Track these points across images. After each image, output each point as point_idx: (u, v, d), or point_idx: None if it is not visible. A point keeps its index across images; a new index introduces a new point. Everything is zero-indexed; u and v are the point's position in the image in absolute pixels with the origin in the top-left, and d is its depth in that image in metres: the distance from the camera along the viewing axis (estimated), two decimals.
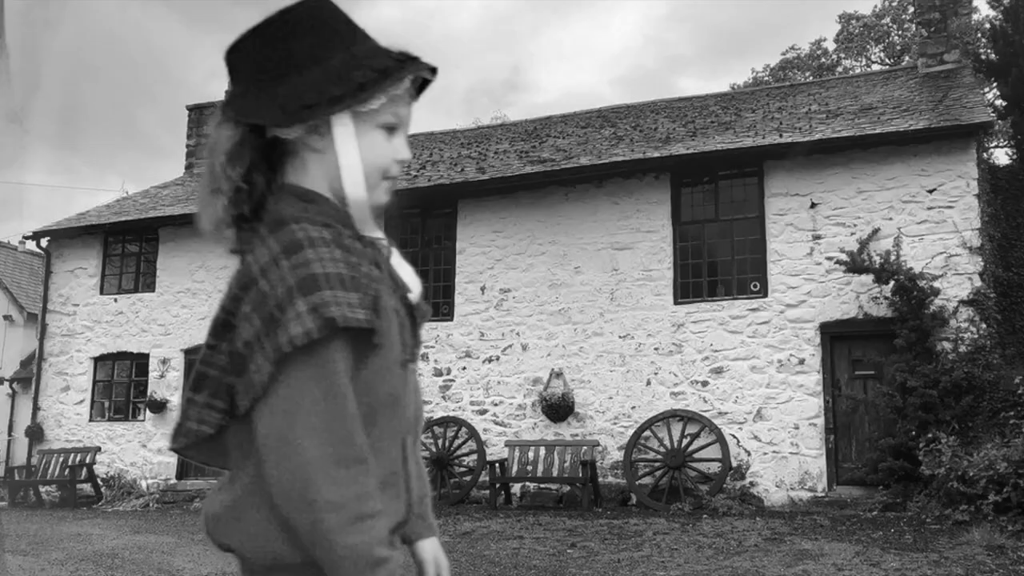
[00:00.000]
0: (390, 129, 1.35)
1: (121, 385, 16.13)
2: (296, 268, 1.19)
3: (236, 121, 1.31)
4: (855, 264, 10.86)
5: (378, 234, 1.36)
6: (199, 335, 15.29)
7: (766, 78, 28.65)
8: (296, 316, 1.16)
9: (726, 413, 11.85)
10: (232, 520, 1.25)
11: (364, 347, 1.22)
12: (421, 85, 1.42)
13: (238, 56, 1.33)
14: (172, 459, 15.17)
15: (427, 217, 14.38)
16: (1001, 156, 21.25)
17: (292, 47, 1.30)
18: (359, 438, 1.18)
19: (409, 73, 1.33)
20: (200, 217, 1.35)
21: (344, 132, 1.30)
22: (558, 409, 12.52)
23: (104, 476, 15.23)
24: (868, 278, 11.04)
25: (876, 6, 28.13)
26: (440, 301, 13.95)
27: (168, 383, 15.43)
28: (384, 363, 1.25)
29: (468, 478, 12.87)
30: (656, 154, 12.76)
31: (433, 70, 1.37)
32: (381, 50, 1.34)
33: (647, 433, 12.08)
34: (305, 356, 1.16)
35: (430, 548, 1.50)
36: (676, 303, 12.41)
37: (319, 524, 1.13)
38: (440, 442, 13.15)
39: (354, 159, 1.31)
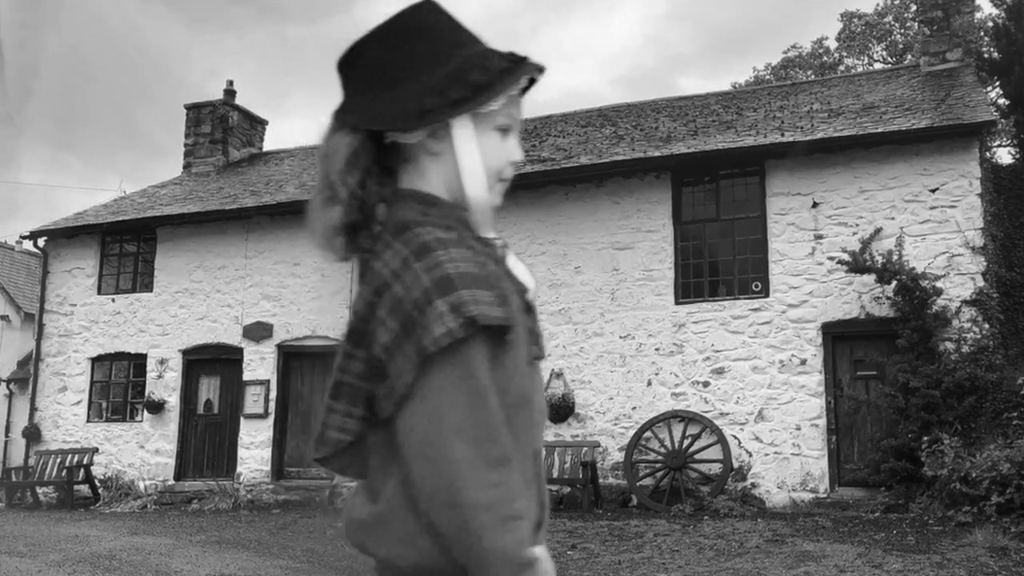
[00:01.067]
0: (503, 130, 1.37)
1: (119, 386, 16.13)
2: (430, 270, 1.20)
3: (353, 128, 1.32)
4: (857, 264, 10.86)
5: (493, 235, 1.37)
6: (197, 335, 15.31)
7: (767, 77, 28.65)
8: (437, 317, 1.16)
9: (727, 414, 11.85)
10: (379, 527, 1.24)
11: (497, 346, 1.22)
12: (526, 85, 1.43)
13: (353, 63, 1.34)
14: (170, 460, 15.18)
15: None
16: (1004, 155, 21.25)
17: (409, 52, 1.31)
18: (504, 438, 1.18)
19: (525, 74, 1.35)
20: (313, 225, 1.35)
21: (464, 135, 1.32)
22: (558, 410, 12.51)
23: (102, 477, 15.22)
24: (870, 278, 11.04)
25: (878, 4, 28.13)
26: None
27: (166, 384, 15.43)
28: (515, 362, 1.26)
29: None
30: (657, 153, 12.76)
31: (541, 69, 1.39)
32: (493, 51, 1.36)
33: (648, 434, 12.07)
34: (448, 357, 1.16)
35: (542, 555, 1.53)
36: (677, 303, 12.41)
37: (468, 526, 1.13)
38: None
39: (475, 161, 1.32)
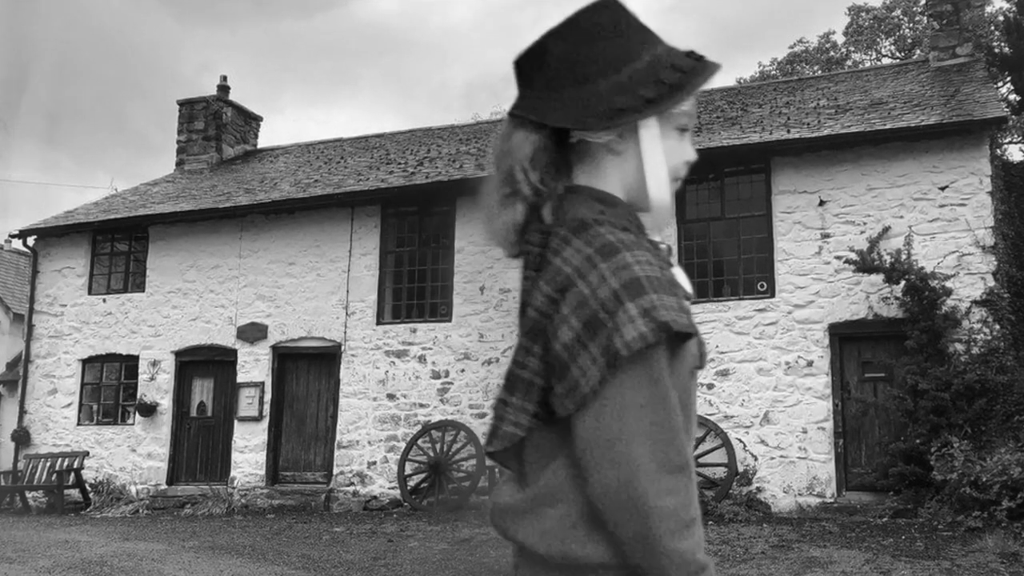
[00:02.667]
0: (682, 130, 1.39)
1: (110, 388, 16.13)
2: (617, 271, 1.21)
3: (536, 125, 1.34)
4: (865, 263, 10.86)
5: (658, 237, 1.39)
6: (190, 336, 15.31)
7: (773, 72, 28.64)
8: (629, 320, 1.18)
9: (732, 417, 11.85)
10: (526, 515, 1.28)
11: (672, 352, 1.24)
12: None
13: (539, 60, 1.36)
14: (162, 464, 15.18)
15: (424, 215, 14.38)
16: (1015, 152, 21.27)
17: (598, 50, 1.33)
18: (684, 444, 1.21)
19: (711, 73, 1.37)
20: (492, 222, 1.39)
21: (650, 135, 1.34)
22: None
23: (93, 481, 15.22)
24: (878, 278, 11.04)
25: None
26: (438, 301, 13.96)
27: (158, 386, 15.43)
28: (682, 369, 1.28)
29: (467, 483, 12.86)
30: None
31: (719, 69, 1.41)
32: (676, 50, 1.38)
33: None
34: (636, 361, 1.18)
35: (711, 560, 1.57)
36: None
37: (650, 531, 1.16)
38: (438, 446, 13.15)
39: (660, 162, 1.35)
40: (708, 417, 11.88)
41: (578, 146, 1.36)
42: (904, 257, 10.78)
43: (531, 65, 1.37)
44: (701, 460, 11.67)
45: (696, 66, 1.35)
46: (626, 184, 1.36)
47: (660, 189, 1.35)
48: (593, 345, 1.19)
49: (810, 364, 11.58)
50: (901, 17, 28.04)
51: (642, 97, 1.31)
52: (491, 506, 1.36)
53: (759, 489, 11.51)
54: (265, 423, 14.61)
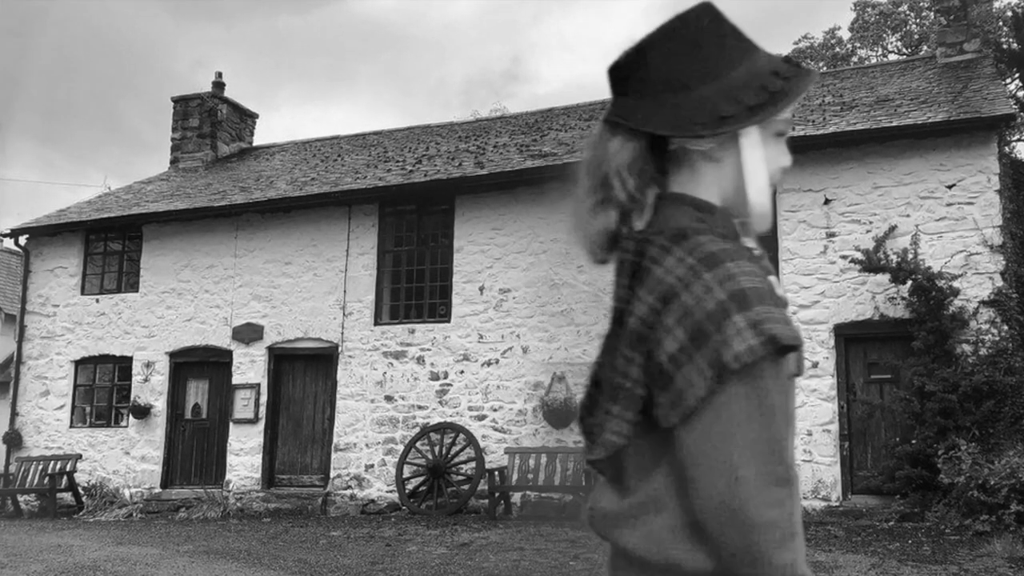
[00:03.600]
0: (779, 135, 1.41)
1: (103, 389, 16.13)
2: (723, 282, 1.23)
3: (633, 132, 1.36)
4: (871, 263, 10.86)
5: (752, 244, 1.40)
6: (185, 337, 15.31)
7: None
8: (737, 333, 1.19)
9: None
10: (630, 521, 1.31)
11: (777, 363, 1.26)
12: None
13: (638, 66, 1.37)
14: (156, 467, 15.18)
15: (423, 214, 14.38)
16: (1023, 150, 21.25)
17: (700, 56, 1.35)
18: (789, 457, 1.23)
19: (811, 80, 1.39)
20: (583, 229, 1.40)
21: (752, 142, 1.35)
22: (560, 415, 12.51)
23: (85, 485, 15.23)
24: (884, 278, 11.04)
25: None
26: (437, 302, 13.96)
27: (152, 387, 15.43)
28: (783, 378, 1.29)
29: (466, 487, 12.87)
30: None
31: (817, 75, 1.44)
32: (774, 56, 1.40)
33: None
34: (744, 374, 1.20)
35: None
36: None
37: (755, 543, 1.18)
38: (437, 449, 13.15)
39: (761, 169, 1.36)
40: None
41: (675, 153, 1.37)
42: (911, 256, 10.78)
43: (628, 71, 1.38)
44: None
45: (797, 72, 1.37)
46: (723, 191, 1.38)
47: (761, 196, 1.37)
48: (699, 357, 1.21)
49: (815, 365, 11.58)
50: (908, 12, 28.04)
51: (745, 104, 1.33)
52: (590, 510, 1.39)
53: None
54: (261, 425, 14.61)
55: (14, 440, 16.10)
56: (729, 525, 1.18)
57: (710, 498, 1.19)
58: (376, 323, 14.15)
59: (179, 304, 15.49)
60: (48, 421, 16.09)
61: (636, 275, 1.33)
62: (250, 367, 14.82)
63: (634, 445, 1.32)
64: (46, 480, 14.86)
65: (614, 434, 1.33)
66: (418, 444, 13.34)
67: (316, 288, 14.55)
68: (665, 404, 1.24)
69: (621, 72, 1.39)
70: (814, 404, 11.52)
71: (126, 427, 15.57)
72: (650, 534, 1.28)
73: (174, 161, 19.48)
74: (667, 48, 1.35)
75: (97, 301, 16.14)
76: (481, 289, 13.53)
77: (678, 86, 1.34)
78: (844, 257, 11.52)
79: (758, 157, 1.36)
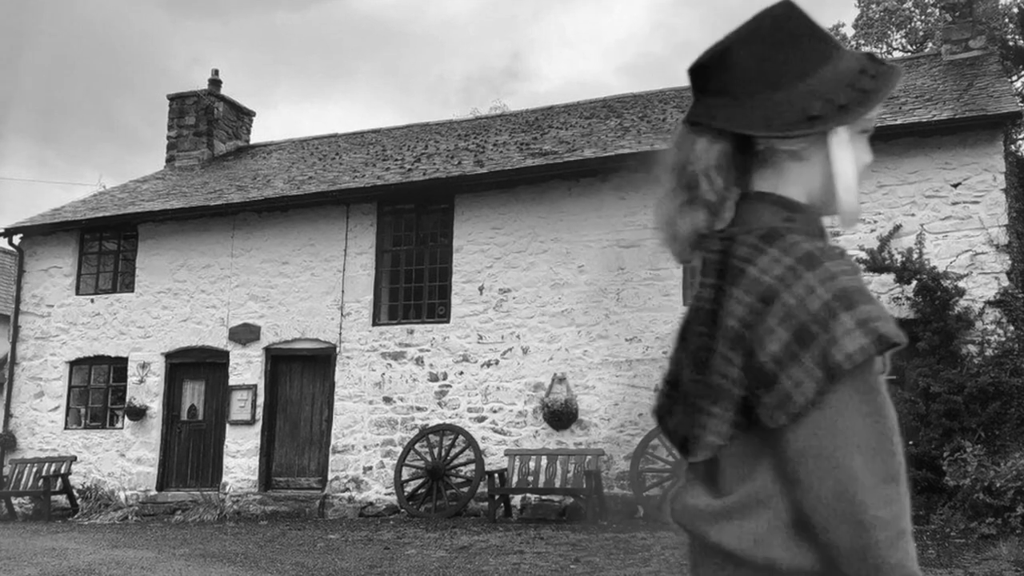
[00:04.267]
0: (863, 133, 1.44)
1: (98, 391, 16.13)
2: (825, 282, 1.25)
3: (719, 131, 1.38)
4: (875, 263, 10.86)
5: (833, 243, 1.42)
6: (180, 338, 15.31)
7: None
8: (846, 332, 1.21)
9: None
10: (728, 519, 1.33)
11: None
12: None
13: (723, 65, 1.39)
14: (152, 469, 15.19)
15: (422, 213, 14.39)
16: None
17: (787, 55, 1.37)
18: (900, 455, 1.25)
19: (898, 78, 1.41)
20: (669, 228, 1.43)
21: (841, 141, 1.37)
22: (561, 416, 12.52)
23: (80, 487, 15.23)
24: (889, 277, 11.04)
25: None
26: (436, 302, 13.96)
27: (148, 389, 15.43)
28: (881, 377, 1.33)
29: (465, 489, 12.87)
30: (665, 146, 12.72)
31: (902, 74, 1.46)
32: (860, 54, 1.42)
33: (655, 442, 12.06)
34: (855, 373, 1.22)
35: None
36: (686, 304, 12.38)
37: (868, 541, 1.21)
38: (436, 451, 13.16)
39: (850, 168, 1.39)
40: None
41: (761, 152, 1.39)
42: (915, 256, 10.78)
43: (712, 71, 1.40)
44: None
45: (885, 70, 1.39)
46: (809, 190, 1.40)
47: (850, 195, 1.39)
48: (806, 357, 1.22)
49: None
50: (912, 9, 28.04)
51: (836, 103, 1.34)
52: (681, 507, 1.41)
53: None
54: (258, 427, 14.61)
55: (8, 442, 16.10)
56: (842, 524, 1.21)
57: (821, 497, 1.21)
58: (374, 323, 14.16)
59: (175, 304, 15.49)
60: (42, 423, 16.09)
61: (722, 274, 1.35)
62: (247, 368, 14.82)
63: (732, 445, 1.34)
64: (40, 482, 14.86)
65: (715, 434, 1.34)
66: (417, 446, 13.35)
67: (314, 288, 14.56)
68: (770, 404, 1.25)
69: (704, 71, 1.41)
70: None
71: (121, 429, 15.58)
72: (750, 532, 1.29)
73: (170, 160, 19.48)
74: (752, 47, 1.37)
75: (92, 301, 16.14)
76: (481, 289, 13.54)
77: (765, 85, 1.36)
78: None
79: (847, 156, 1.38)
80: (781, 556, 1.27)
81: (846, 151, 1.37)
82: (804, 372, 1.22)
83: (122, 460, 15.40)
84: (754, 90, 1.36)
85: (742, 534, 1.30)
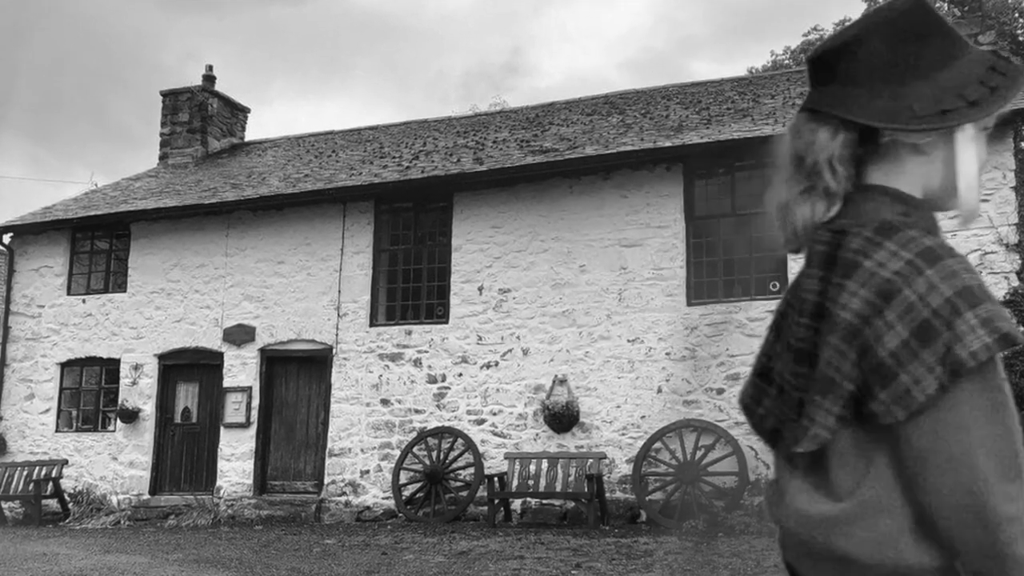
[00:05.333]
0: (984, 130, 1.45)
1: (90, 393, 16.14)
2: (947, 279, 1.27)
3: (844, 122, 1.40)
4: None
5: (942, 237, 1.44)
6: (174, 339, 15.32)
7: (787, 61, 28.64)
8: (970, 330, 1.24)
9: (743, 423, 11.85)
10: (848, 525, 1.33)
11: None
12: None
13: (847, 57, 1.41)
14: (145, 473, 15.19)
15: (420, 211, 14.39)
16: None
17: (918, 49, 1.39)
18: (1022, 449, 1.27)
19: None
20: (785, 216, 1.47)
21: (966, 136, 1.40)
22: (562, 419, 12.52)
23: (72, 491, 15.23)
24: None
25: None
26: (434, 302, 13.97)
27: (141, 391, 15.44)
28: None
29: (464, 493, 12.87)
30: (668, 143, 12.77)
31: None
32: (987, 51, 1.43)
33: (658, 445, 12.08)
34: (978, 371, 1.25)
35: None
36: (689, 304, 12.41)
37: (996, 538, 1.22)
38: (434, 454, 13.16)
39: (973, 165, 1.41)
40: (718, 423, 11.89)
41: (883, 145, 1.41)
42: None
43: (836, 60, 1.42)
44: (711, 469, 11.68)
45: (1012, 68, 1.41)
46: (927, 185, 1.42)
47: (972, 192, 1.41)
48: (927, 353, 1.24)
49: None
50: None
51: (967, 99, 1.37)
52: (794, 515, 1.41)
53: None
54: (253, 430, 14.61)
55: None
56: (968, 522, 1.23)
57: (946, 496, 1.23)
58: (372, 324, 14.16)
59: (168, 305, 15.50)
60: (33, 425, 16.09)
61: (830, 266, 1.38)
62: (241, 370, 14.83)
63: (839, 441, 1.36)
64: (31, 486, 14.86)
65: (822, 427, 1.35)
66: (415, 449, 13.35)
67: (310, 288, 14.56)
68: (887, 400, 1.27)
69: (827, 61, 1.43)
70: None
71: (113, 432, 15.58)
72: (877, 537, 1.30)
73: (163, 157, 19.49)
74: (883, 39, 1.39)
75: (84, 301, 16.15)
76: (480, 289, 13.54)
77: (894, 78, 1.38)
78: None
79: (971, 153, 1.40)
80: (910, 558, 1.29)
81: (971, 147, 1.40)
82: (925, 369, 1.24)
83: (114, 463, 15.40)
84: (883, 82, 1.39)
85: (868, 540, 1.31)
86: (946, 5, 19.57)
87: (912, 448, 1.26)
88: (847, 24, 1.43)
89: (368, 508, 13.59)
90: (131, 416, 15.30)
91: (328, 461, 14.06)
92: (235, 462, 14.64)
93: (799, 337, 1.40)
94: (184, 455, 15.27)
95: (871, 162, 1.42)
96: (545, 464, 12.37)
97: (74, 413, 16.17)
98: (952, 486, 1.23)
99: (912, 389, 1.24)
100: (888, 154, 1.41)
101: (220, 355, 15.01)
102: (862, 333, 1.30)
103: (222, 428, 14.83)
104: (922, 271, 1.27)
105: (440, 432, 13.30)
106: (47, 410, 16.09)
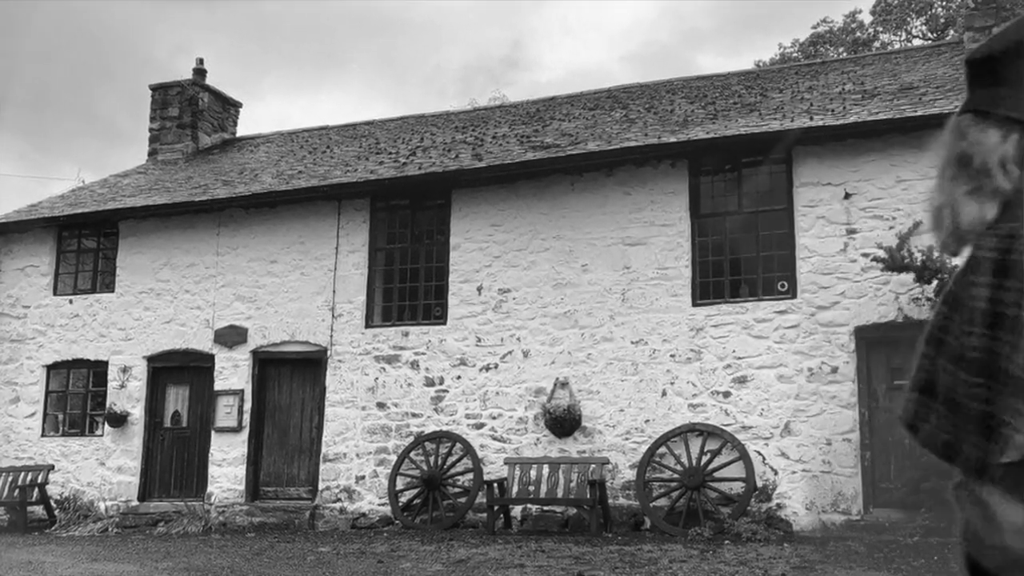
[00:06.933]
0: None
1: (77, 396, 16.13)
2: None
3: (1014, 121, 1.41)
4: (894, 261, 10.86)
5: None
6: (164, 340, 15.31)
7: (795, 54, 28.64)
8: None
9: (750, 427, 11.86)
10: None
11: None
12: None
13: (1012, 58, 1.43)
14: (133, 478, 15.19)
15: (417, 209, 14.39)
16: None
17: None
18: None
19: None
20: (952, 215, 1.46)
21: None
22: (563, 423, 12.52)
23: (58, 497, 15.23)
24: (908, 277, 11.04)
25: None
26: (432, 303, 13.96)
27: (129, 394, 15.43)
28: None
29: (463, 500, 12.87)
30: (672, 139, 12.77)
31: None
32: None
33: (662, 450, 12.08)
34: None
35: None
36: (695, 305, 12.41)
37: None
38: (432, 459, 13.16)
39: None
40: (724, 428, 11.89)
41: None
42: (936, 255, 10.77)
43: (1001, 63, 1.43)
44: (717, 474, 11.68)
45: None
46: None
47: None
48: None
49: (835, 370, 11.59)
50: None
51: None
52: (1009, 531, 1.40)
53: (779, 506, 11.51)
54: (245, 434, 14.61)
55: None
56: None
57: None
58: (367, 325, 14.16)
59: (158, 305, 15.49)
60: (18, 430, 16.09)
61: (1002, 272, 1.37)
62: (233, 372, 14.82)
63: None
64: (16, 493, 14.86)
65: None
66: (412, 454, 13.35)
67: (303, 288, 14.56)
68: None
69: (990, 63, 1.44)
70: (834, 412, 11.53)
71: (101, 436, 15.58)
72: None
73: (152, 153, 19.49)
74: None
75: (70, 302, 16.15)
76: (479, 289, 13.54)
77: None
78: (866, 255, 11.52)
79: None
80: None
81: None
82: None
83: (102, 469, 15.39)
84: None
85: None
86: None
87: None
88: (1005, 27, 1.44)
89: (364, 515, 13.59)
90: (119, 420, 15.29)
91: (322, 466, 14.05)
92: (227, 467, 14.63)
93: (973, 347, 1.39)
94: (174, 460, 15.26)
95: None
96: (546, 469, 12.36)
97: (60, 417, 16.17)
98: None
99: None
100: None
101: (211, 357, 15.00)
102: None
103: (213, 432, 14.83)
104: None
105: (438, 436, 13.29)
106: (32, 414, 16.08)
